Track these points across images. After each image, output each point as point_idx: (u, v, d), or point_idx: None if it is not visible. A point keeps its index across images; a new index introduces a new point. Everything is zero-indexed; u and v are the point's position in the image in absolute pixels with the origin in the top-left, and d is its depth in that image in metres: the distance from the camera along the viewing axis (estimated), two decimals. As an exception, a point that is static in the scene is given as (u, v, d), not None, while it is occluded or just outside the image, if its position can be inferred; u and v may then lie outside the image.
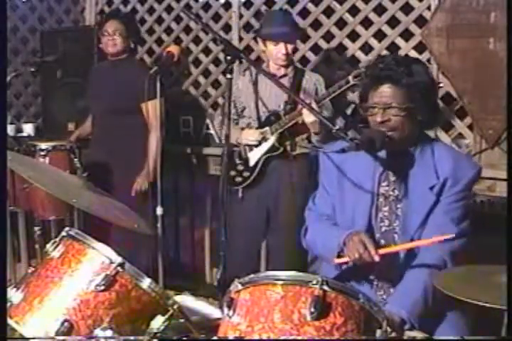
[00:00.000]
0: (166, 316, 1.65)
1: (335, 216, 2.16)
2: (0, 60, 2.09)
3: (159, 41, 4.41)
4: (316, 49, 3.77)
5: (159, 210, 2.62)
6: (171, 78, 4.27)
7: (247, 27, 3.95)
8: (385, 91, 1.96)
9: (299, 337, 1.37)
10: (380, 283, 2.09)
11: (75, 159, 3.07)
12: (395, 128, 1.97)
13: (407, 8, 3.40)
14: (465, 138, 3.33)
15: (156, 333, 1.64)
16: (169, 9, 4.34)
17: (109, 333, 1.59)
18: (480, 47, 3.05)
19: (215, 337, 1.49)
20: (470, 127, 3.27)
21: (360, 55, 3.58)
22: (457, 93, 3.18)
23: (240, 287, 1.49)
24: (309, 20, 3.74)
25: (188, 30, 4.26)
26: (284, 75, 3.20)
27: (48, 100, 4.53)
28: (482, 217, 2.41)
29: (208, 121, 4.05)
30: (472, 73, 3.08)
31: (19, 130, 4.65)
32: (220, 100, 4.10)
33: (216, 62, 4.15)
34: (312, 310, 1.37)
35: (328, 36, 3.70)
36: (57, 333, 1.57)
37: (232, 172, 3.26)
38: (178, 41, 4.27)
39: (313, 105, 2.85)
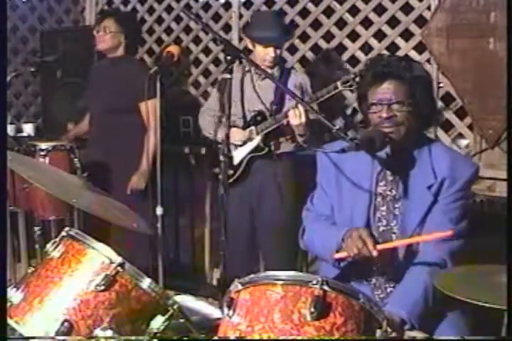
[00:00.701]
0: (166, 316, 1.65)
1: (333, 216, 2.16)
2: (0, 60, 2.09)
3: (159, 41, 4.42)
4: (316, 49, 3.77)
5: (159, 210, 2.62)
6: (171, 78, 4.27)
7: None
8: (389, 87, 1.97)
9: (299, 337, 1.37)
10: (378, 282, 2.09)
11: (75, 159, 3.06)
12: (400, 123, 1.98)
13: (407, 8, 3.40)
14: (465, 138, 3.34)
15: (156, 333, 1.64)
16: (169, 9, 4.34)
17: (109, 333, 1.58)
18: (480, 47, 3.05)
19: (215, 337, 1.49)
20: (470, 127, 3.27)
21: (360, 55, 3.58)
22: (457, 93, 3.18)
23: (239, 287, 1.49)
24: (309, 20, 3.74)
25: (188, 30, 4.27)
26: (270, 75, 3.20)
27: (48, 100, 4.54)
28: (482, 217, 2.42)
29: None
30: (472, 73, 3.09)
31: (19, 130, 4.65)
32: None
33: (216, 62, 4.15)
34: (312, 310, 1.37)
35: (328, 36, 3.71)
36: (57, 333, 1.57)
37: (216, 170, 3.28)
38: (178, 41, 4.28)
39: (300, 106, 2.86)
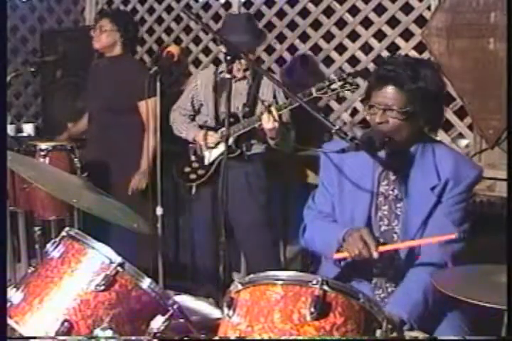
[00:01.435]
0: (166, 316, 1.65)
1: (334, 214, 2.16)
2: (0, 60, 2.09)
3: (159, 41, 4.42)
4: (316, 49, 3.77)
5: (159, 210, 2.62)
6: (171, 78, 4.27)
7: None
8: (388, 92, 1.95)
9: (299, 337, 1.37)
10: (379, 282, 2.09)
11: (75, 159, 3.06)
12: (391, 130, 1.95)
13: (407, 8, 3.40)
14: (465, 138, 3.34)
15: (156, 333, 1.64)
16: (169, 9, 4.35)
17: (109, 333, 1.58)
18: (480, 47, 3.05)
19: (216, 337, 1.49)
20: (470, 127, 3.27)
21: (360, 55, 3.59)
22: (457, 93, 3.18)
23: (239, 287, 1.49)
24: (309, 20, 3.74)
25: (188, 30, 4.27)
26: (243, 78, 3.20)
27: (48, 100, 4.54)
28: (482, 217, 2.41)
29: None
30: (472, 73, 3.09)
31: (19, 130, 4.65)
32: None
33: (216, 62, 4.15)
34: (312, 310, 1.37)
35: (328, 36, 3.71)
36: (57, 333, 1.57)
37: (187, 169, 3.32)
38: (178, 41, 4.28)
39: (273, 111, 2.86)
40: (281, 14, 3.85)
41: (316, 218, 2.20)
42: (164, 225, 2.64)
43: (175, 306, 1.66)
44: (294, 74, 3.81)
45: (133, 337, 1.62)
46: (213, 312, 1.99)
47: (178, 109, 3.44)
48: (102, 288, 1.61)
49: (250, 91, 3.17)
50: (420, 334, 1.82)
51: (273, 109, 2.87)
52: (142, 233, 2.18)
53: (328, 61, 3.73)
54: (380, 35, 3.51)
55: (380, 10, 3.49)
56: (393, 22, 3.45)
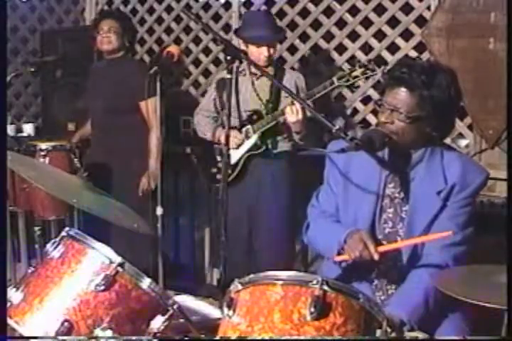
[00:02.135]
0: (166, 316, 1.65)
1: (337, 214, 2.15)
2: (0, 60, 2.09)
3: (159, 41, 4.42)
4: (316, 49, 3.77)
5: (159, 210, 2.61)
6: (171, 78, 4.27)
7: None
8: (399, 94, 1.93)
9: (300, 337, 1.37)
10: (379, 283, 2.09)
11: (75, 159, 3.06)
12: (394, 132, 1.94)
13: (407, 8, 3.40)
14: (465, 138, 3.34)
15: (156, 333, 1.64)
16: (169, 9, 4.35)
17: (109, 333, 1.58)
18: (480, 47, 3.05)
19: (217, 337, 1.49)
20: (470, 127, 3.27)
21: (360, 55, 3.59)
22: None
23: (239, 287, 1.49)
24: (309, 20, 3.74)
25: (188, 30, 4.27)
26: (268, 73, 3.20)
27: (48, 100, 4.54)
28: (482, 217, 2.41)
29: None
30: (472, 73, 3.09)
31: (19, 130, 4.65)
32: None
33: (216, 62, 4.15)
34: (312, 310, 1.37)
35: (328, 36, 3.71)
36: (57, 333, 1.57)
37: (213, 170, 3.30)
38: (178, 41, 4.28)
39: (297, 104, 2.86)
40: (281, 14, 3.85)
41: (319, 217, 2.19)
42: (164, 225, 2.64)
43: (175, 306, 1.66)
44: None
45: (133, 337, 1.62)
46: (213, 312, 1.99)
47: (201, 112, 3.44)
48: (102, 288, 1.61)
49: (273, 87, 3.15)
50: (420, 335, 1.82)
51: (296, 101, 2.87)
52: (142, 233, 2.18)
53: (329, 61, 3.73)
54: (380, 35, 3.51)
55: (380, 10, 3.49)
56: (393, 22, 3.45)
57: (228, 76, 1.95)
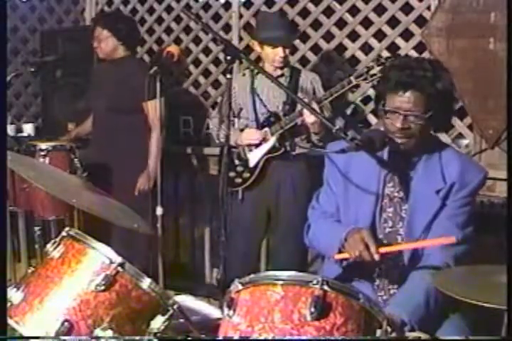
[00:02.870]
0: (166, 316, 1.65)
1: (338, 214, 2.15)
2: (0, 60, 2.09)
3: (159, 41, 4.41)
4: (316, 49, 3.77)
5: (159, 210, 2.62)
6: (171, 78, 4.27)
7: (247, 27, 3.95)
8: (409, 97, 1.92)
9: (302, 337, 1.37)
10: (380, 283, 2.09)
11: (75, 159, 3.06)
12: (412, 135, 1.94)
13: (407, 8, 3.40)
14: (465, 138, 3.33)
15: (156, 333, 1.64)
16: (169, 9, 4.34)
17: (109, 333, 1.59)
18: (480, 47, 3.05)
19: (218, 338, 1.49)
20: (470, 127, 3.27)
21: (360, 55, 3.58)
22: (457, 93, 3.17)
23: (240, 287, 1.49)
24: (309, 20, 3.74)
25: (188, 30, 4.26)
26: (281, 75, 3.19)
27: (48, 100, 4.53)
28: (482, 217, 2.41)
29: (208, 120, 4.05)
30: (472, 73, 3.08)
31: (19, 130, 4.65)
32: (219, 100, 4.09)
33: (216, 62, 4.15)
34: (312, 310, 1.37)
35: (328, 36, 3.70)
36: (57, 333, 1.57)
37: (232, 174, 3.24)
38: (178, 41, 4.28)
39: (314, 105, 2.85)
40: (281, 14, 3.85)
41: (319, 218, 2.19)
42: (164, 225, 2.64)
43: (175, 306, 1.66)
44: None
45: (138, 337, 1.62)
46: (213, 312, 1.99)
47: (216, 116, 3.42)
48: (102, 288, 1.61)
49: (289, 89, 3.09)
50: (421, 335, 1.82)
51: (313, 101, 2.86)
52: (142, 233, 2.18)
53: (328, 61, 3.73)
54: (380, 35, 3.51)
55: (380, 10, 3.48)
56: (393, 22, 3.45)
57: (229, 76, 1.95)
